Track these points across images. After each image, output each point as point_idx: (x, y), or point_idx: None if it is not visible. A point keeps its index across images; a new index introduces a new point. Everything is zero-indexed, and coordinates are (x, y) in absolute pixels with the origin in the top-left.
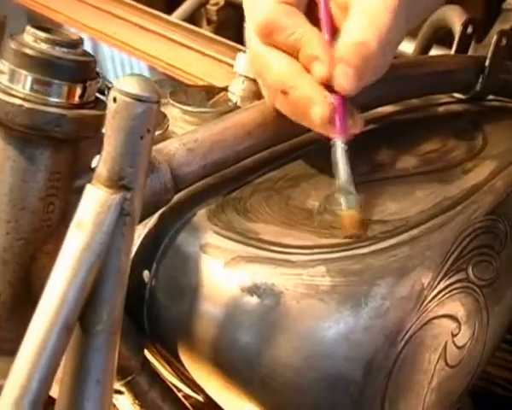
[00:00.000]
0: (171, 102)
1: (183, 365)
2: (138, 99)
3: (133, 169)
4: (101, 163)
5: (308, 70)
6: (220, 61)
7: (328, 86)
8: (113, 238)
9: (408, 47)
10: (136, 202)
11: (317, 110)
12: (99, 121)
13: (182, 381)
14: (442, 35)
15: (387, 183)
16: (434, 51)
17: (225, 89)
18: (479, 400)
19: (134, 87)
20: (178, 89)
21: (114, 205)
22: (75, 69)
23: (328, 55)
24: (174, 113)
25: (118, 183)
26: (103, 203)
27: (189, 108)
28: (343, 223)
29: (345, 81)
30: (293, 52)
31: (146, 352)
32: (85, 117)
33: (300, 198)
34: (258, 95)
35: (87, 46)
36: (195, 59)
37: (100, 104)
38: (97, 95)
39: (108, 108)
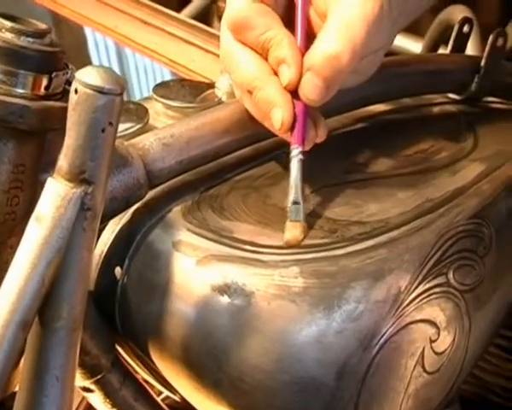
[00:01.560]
0: (154, 96)
1: (154, 364)
2: (100, 91)
3: (94, 163)
4: (62, 156)
5: (276, 73)
6: None
7: (292, 92)
8: (73, 233)
9: (415, 47)
10: (98, 196)
11: (277, 114)
12: (65, 113)
13: (156, 380)
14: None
15: (369, 183)
16: (442, 51)
17: (212, 85)
18: (474, 407)
19: (96, 78)
20: (163, 83)
21: (75, 199)
22: (40, 59)
23: (296, 61)
24: (157, 107)
25: (78, 176)
26: (63, 197)
27: (172, 103)
28: (286, 234)
29: (311, 90)
30: (262, 52)
31: (120, 350)
32: (50, 109)
33: (279, 197)
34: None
35: (111, 51)
36: (198, 55)
37: (68, 96)
38: (66, 87)
39: (70, 100)
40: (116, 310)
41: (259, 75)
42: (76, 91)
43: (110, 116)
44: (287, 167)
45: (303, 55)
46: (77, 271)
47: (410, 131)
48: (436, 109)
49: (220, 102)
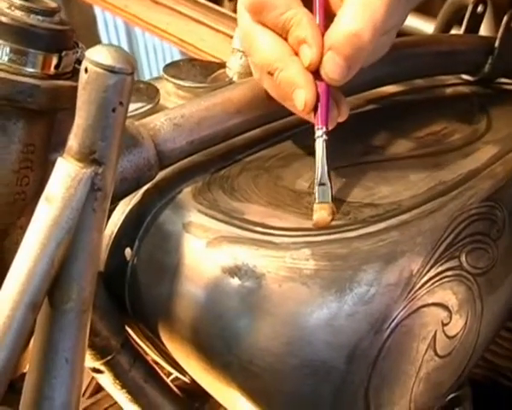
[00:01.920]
0: (165, 76)
1: (164, 345)
2: (110, 70)
3: (104, 143)
4: (72, 136)
5: (296, 53)
6: (233, 37)
7: (314, 73)
8: (83, 214)
9: (428, 28)
10: (109, 176)
11: (300, 95)
12: (75, 93)
13: (166, 361)
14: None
15: (382, 166)
16: (455, 32)
17: (223, 64)
18: (485, 390)
19: (106, 57)
20: (174, 63)
21: (85, 179)
22: (50, 38)
23: (317, 40)
24: (168, 87)
25: (88, 157)
26: (73, 177)
27: (183, 83)
28: (314, 215)
29: (333, 70)
30: (282, 33)
31: (130, 331)
32: (60, 88)
33: (290, 178)
34: None
35: (121, 30)
36: (208, 35)
37: (78, 76)
38: (76, 66)
39: (80, 79)
40: (126, 291)
41: (280, 56)
42: (86, 70)
43: (121, 96)
44: (298, 148)
45: (323, 34)
46: (87, 252)
47: (423, 112)
48: (449, 91)
49: (231, 83)
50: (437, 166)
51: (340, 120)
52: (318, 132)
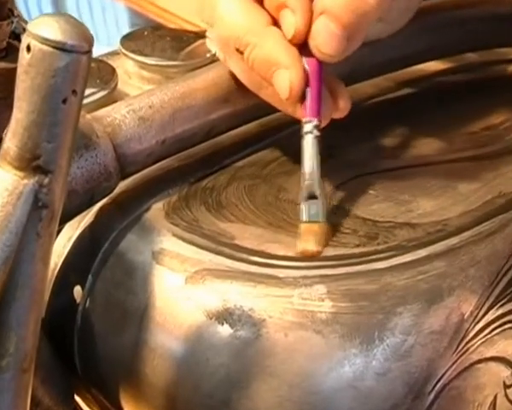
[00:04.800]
0: (123, 50)
1: None
2: (61, 48)
3: (52, 144)
4: (10, 135)
5: (275, 22)
6: None
7: (300, 47)
8: (24, 240)
9: None
10: (57, 189)
11: (283, 77)
12: (11, 76)
13: None
14: None
15: (420, 172)
16: None
17: (202, 35)
18: None
19: (55, 31)
20: (135, 33)
21: (26, 194)
22: None
23: (303, 2)
24: (127, 66)
25: (31, 163)
26: (11, 191)
27: (149, 61)
28: (301, 237)
29: (326, 41)
30: None
31: (80, 400)
32: None
33: (297, 190)
34: None
35: None
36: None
37: (14, 54)
38: (11, 42)
39: (19, 61)
40: (75, 345)
41: (254, 27)
42: (28, 49)
43: (74, 82)
44: None
45: None
46: (28, 290)
47: (475, 99)
48: (510, 69)
49: (215, 60)
50: (494, 173)
51: (337, 115)
52: (307, 127)
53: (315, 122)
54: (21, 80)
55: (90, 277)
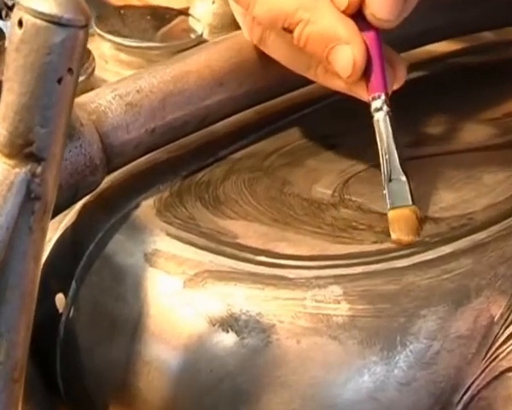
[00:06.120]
0: (97, 31)
1: None
2: (57, 22)
3: (46, 129)
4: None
5: None
6: None
7: (354, 18)
8: (15, 235)
9: None
10: (50, 179)
11: (344, 53)
12: (0, 55)
13: None
14: None
15: (441, 162)
16: None
17: (185, 12)
18: None
19: (50, 4)
20: (110, 10)
21: (17, 184)
22: None
23: None
24: (103, 49)
25: (23, 150)
26: (1, 181)
27: (127, 42)
28: (391, 225)
29: (381, 6)
30: None
31: None
32: None
33: (303, 183)
34: (237, 22)
35: None
36: None
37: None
38: None
39: (10, 37)
40: (57, 361)
41: (304, 2)
42: (20, 24)
43: (70, 59)
44: (309, 139)
45: None
46: (19, 290)
47: (491, 82)
48: None
49: (202, 41)
50: None
51: (396, 86)
52: (376, 103)
53: (383, 97)
54: (12, 59)
55: (73, 283)
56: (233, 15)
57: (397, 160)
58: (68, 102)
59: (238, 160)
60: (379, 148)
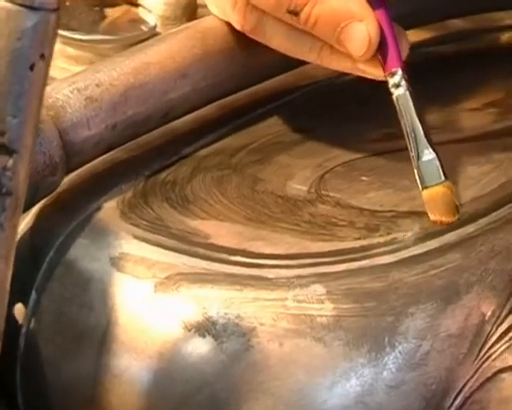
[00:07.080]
0: None
1: None
2: (28, 5)
3: (17, 119)
4: None
5: None
6: None
7: None
8: None
9: None
10: (22, 173)
11: (359, 30)
12: None
13: None
14: None
15: None
16: None
17: (133, 2)
18: None
19: None
20: None
21: None
22: None
23: None
24: None
25: None
26: None
27: (76, 35)
28: (428, 206)
29: None
30: None
31: None
32: None
33: (275, 180)
34: (189, 12)
35: None
36: None
37: None
38: None
39: None
40: (17, 377)
41: None
42: None
43: (42, 45)
44: (279, 134)
45: None
46: None
47: (468, 72)
48: (507, 37)
49: (156, 34)
50: (506, 154)
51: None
52: (395, 79)
53: (400, 72)
54: None
55: (33, 292)
56: (186, 6)
57: (423, 136)
58: (40, 89)
59: (204, 157)
60: (402, 126)
